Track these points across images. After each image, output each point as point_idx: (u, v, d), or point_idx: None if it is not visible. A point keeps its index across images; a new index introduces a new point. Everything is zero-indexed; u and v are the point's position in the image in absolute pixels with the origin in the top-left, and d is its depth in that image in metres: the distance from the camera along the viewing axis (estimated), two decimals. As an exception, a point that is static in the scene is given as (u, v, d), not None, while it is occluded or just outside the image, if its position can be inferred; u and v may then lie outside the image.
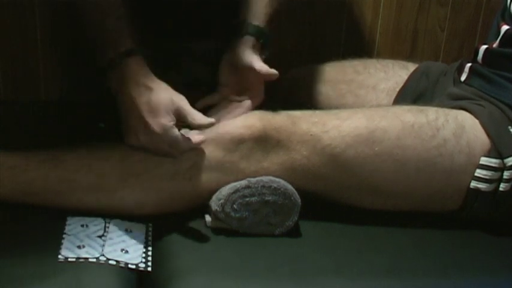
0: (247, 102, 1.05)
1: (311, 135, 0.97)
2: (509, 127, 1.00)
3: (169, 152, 0.95)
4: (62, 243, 0.89)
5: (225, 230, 0.97)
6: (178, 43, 1.08)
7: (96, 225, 0.94)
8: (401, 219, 1.02)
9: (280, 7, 1.09)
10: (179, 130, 0.94)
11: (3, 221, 0.93)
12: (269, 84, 1.05)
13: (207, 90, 1.09)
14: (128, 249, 0.91)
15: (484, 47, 1.09)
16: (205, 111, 1.00)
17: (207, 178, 0.97)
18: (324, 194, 1.00)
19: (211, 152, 0.96)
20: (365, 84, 1.24)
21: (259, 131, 0.97)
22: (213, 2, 1.10)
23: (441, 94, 1.13)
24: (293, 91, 1.26)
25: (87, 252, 0.88)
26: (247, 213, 0.96)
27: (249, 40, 1.05)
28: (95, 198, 0.96)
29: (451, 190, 1.00)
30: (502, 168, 0.98)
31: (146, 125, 0.92)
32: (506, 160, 0.98)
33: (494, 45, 1.08)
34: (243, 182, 0.96)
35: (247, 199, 0.96)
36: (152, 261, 0.90)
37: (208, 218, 0.98)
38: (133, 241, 0.93)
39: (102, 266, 0.87)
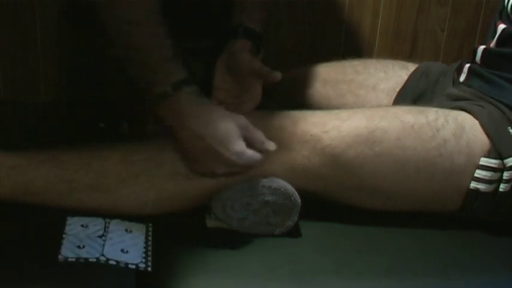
0: (246, 105, 1.05)
1: (311, 135, 0.97)
2: (509, 128, 1.00)
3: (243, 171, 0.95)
4: (62, 243, 0.89)
5: (225, 230, 0.97)
6: (178, 43, 1.08)
7: (96, 225, 0.94)
8: (401, 219, 1.02)
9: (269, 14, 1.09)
10: None
11: (3, 221, 0.93)
12: (269, 84, 1.05)
13: (207, 90, 1.09)
14: (128, 249, 0.91)
15: (482, 47, 1.09)
16: None
17: (207, 178, 0.97)
18: (324, 194, 1.00)
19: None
20: (365, 84, 1.24)
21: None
22: (213, 2, 1.10)
23: (441, 94, 1.13)
24: (293, 91, 1.26)
25: (87, 252, 0.88)
26: (247, 213, 0.96)
27: (246, 43, 1.05)
28: (95, 198, 0.96)
29: (451, 190, 1.00)
30: (502, 168, 0.98)
31: (220, 157, 0.91)
32: (506, 161, 0.98)
33: (492, 45, 1.08)
34: (243, 182, 0.96)
35: (247, 199, 0.96)
36: (152, 261, 0.90)
37: (208, 218, 0.98)
38: (133, 241, 0.93)
39: (102, 266, 0.87)
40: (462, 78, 1.11)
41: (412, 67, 1.24)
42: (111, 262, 0.88)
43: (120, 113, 1.14)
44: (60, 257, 0.87)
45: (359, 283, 0.90)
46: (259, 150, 0.94)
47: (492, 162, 0.98)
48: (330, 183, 0.99)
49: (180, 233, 0.98)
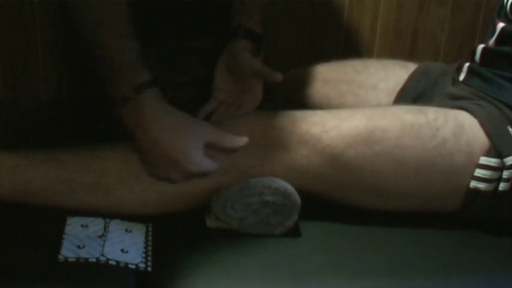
0: (246, 105, 1.05)
1: (311, 135, 0.97)
2: (508, 127, 1.00)
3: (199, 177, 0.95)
4: (62, 243, 0.89)
5: (225, 230, 0.97)
6: (178, 43, 1.08)
7: (96, 225, 0.94)
8: (401, 219, 1.02)
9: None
10: None
11: (3, 221, 0.93)
12: (269, 84, 1.05)
13: (207, 90, 1.09)
14: (128, 249, 0.91)
15: (481, 46, 1.09)
16: (206, 118, 1.00)
17: (206, 178, 0.97)
18: (324, 194, 1.00)
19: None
20: (365, 84, 1.24)
21: (259, 130, 0.97)
22: (213, 2, 1.10)
23: (441, 94, 1.13)
24: (293, 91, 1.26)
25: (87, 252, 0.88)
26: (247, 213, 0.96)
27: (246, 44, 1.05)
28: (95, 198, 0.96)
29: (451, 190, 1.00)
30: (502, 167, 0.98)
31: (177, 164, 0.91)
32: (505, 160, 0.98)
33: (491, 43, 1.08)
34: (243, 182, 0.96)
35: (247, 199, 0.96)
36: (152, 261, 0.90)
37: (208, 218, 0.98)
38: (133, 241, 0.93)
39: (102, 266, 0.87)
40: (462, 77, 1.11)
41: (412, 67, 1.24)
42: (111, 262, 0.88)
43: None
44: (60, 257, 0.87)
45: (359, 283, 0.90)
46: (228, 151, 0.94)
47: (492, 161, 0.98)
48: (330, 182, 0.99)
49: (180, 233, 0.98)
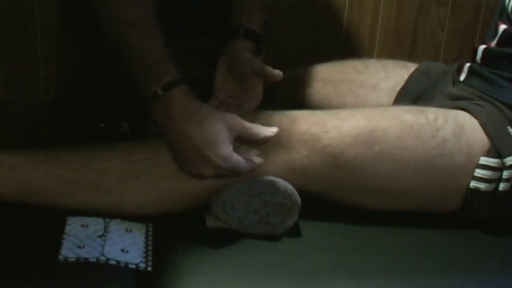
0: (247, 105, 1.05)
1: (311, 134, 0.97)
2: (508, 127, 1.00)
3: (230, 175, 0.94)
4: (62, 243, 0.89)
5: (225, 230, 0.97)
6: (178, 43, 1.08)
7: (96, 225, 0.94)
8: (401, 219, 1.02)
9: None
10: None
11: (3, 221, 0.93)
12: (270, 83, 1.05)
13: (207, 90, 1.09)
14: (128, 249, 0.91)
15: (483, 46, 1.09)
16: None
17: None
18: (324, 194, 1.00)
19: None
20: (365, 84, 1.24)
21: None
22: (213, 2, 1.10)
23: (441, 94, 1.13)
24: (293, 91, 1.26)
25: (87, 252, 0.88)
26: (247, 213, 0.96)
27: (246, 43, 1.05)
28: (95, 198, 0.96)
29: (451, 190, 1.00)
30: (502, 168, 0.98)
31: (207, 159, 0.91)
32: (505, 160, 0.98)
33: (493, 45, 1.08)
34: (243, 182, 0.96)
35: (247, 199, 0.96)
36: (152, 261, 0.90)
37: (208, 218, 0.98)
38: (133, 241, 0.93)
39: (102, 266, 0.87)
40: (462, 77, 1.11)
41: (412, 67, 1.24)
42: (111, 262, 0.88)
43: (120, 113, 1.14)
44: (60, 257, 0.87)
45: (359, 283, 0.90)
46: (259, 142, 0.94)
47: (492, 162, 0.98)
48: (330, 182, 0.99)
49: (180, 233, 0.98)
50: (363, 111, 1.03)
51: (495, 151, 0.98)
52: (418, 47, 1.47)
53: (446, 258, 0.97)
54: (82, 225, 0.94)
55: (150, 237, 0.95)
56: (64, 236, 0.91)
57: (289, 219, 0.98)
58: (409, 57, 1.44)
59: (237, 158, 0.92)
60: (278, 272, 0.91)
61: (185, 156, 0.93)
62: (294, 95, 1.26)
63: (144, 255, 0.91)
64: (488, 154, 0.98)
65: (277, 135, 0.97)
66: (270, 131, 0.94)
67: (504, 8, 1.08)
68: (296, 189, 0.97)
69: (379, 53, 1.45)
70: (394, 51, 1.45)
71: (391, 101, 1.20)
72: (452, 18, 1.45)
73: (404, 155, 0.98)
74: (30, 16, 1.22)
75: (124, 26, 0.93)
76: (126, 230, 0.95)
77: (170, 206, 0.98)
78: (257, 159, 0.94)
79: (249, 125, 0.94)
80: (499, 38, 1.06)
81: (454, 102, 1.06)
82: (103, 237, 0.92)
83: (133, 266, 0.88)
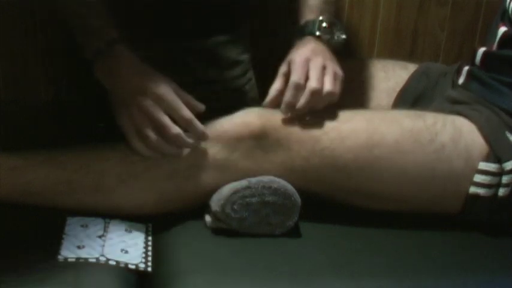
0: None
1: (310, 136, 0.97)
2: (507, 132, 1.00)
3: (170, 150, 0.94)
4: (61, 243, 0.89)
5: (225, 230, 0.97)
6: (178, 43, 1.08)
7: (96, 225, 0.94)
8: (401, 220, 1.02)
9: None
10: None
11: (3, 221, 0.93)
12: (269, 83, 1.05)
13: (207, 91, 1.09)
14: (127, 249, 0.91)
15: (483, 49, 1.09)
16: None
17: (206, 178, 0.97)
18: (324, 195, 1.00)
19: (210, 151, 0.96)
20: (365, 84, 1.24)
21: (258, 129, 0.97)
22: (213, 2, 1.10)
23: (440, 95, 1.13)
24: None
25: (87, 253, 0.88)
26: (247, 214, 0.96)
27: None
28: (95, 198, 0.96)
29: (450, 194, 1.00)
30: (501, 173, 0.98)
31: (144, 90, 0.92)
32: (504, 165, 0.97)
33: (493, 47, 1.08)
34: (243, 182, 0.96)
35: (247, 199, 0.96)
36: (152, 261, 0.90)
37: (208, 218, 0.98)
38: (133, 241, 0.93)
39: (102, 266, 0.87)
40: (461, 80, 1.11)
41: (412, 67, 1.24)
42: (111, 262, 0.88)
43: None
44: (60, 257, 0.87)
45: (359, 283, 0.90)
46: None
47: (491, 167, 0.98)
48: (329, 184, 0.99)
49: (180, 233, 0.98)
50: (363, 114, 1.03)
51: (494, 156, 0.98)
52: (418, 47, 1.47)
53: (446, 259, 0.97)
54: (82, 225, 0.94)
55: (150, 237, 0.95)
56: (64, 236, 0.91)
57: (289, 219, 0.98)
58: (409, 57, 1.43)
59: (178, 99, 0.93)
60: (278, 272, 0.91)
61: (121, 97, 0.94)
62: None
63: (144, 255, 0.91)
64: (487, 159, 0.98)
65: (276, 134, 0.96)
66: (199, 106, 0.96)
67: (505, 10, 1.07)
68: (296, 190, 0.97)
69: (379, 53, 1.45)
70: (394, 51, 1.45)
71: (391, 102, 1.20)
72: (452, 18, 1.44)
73: (404, 159, 0.98)
74: (30, 16, 1.22)
75: None
76: (126, 230, 0.95)
77: (170, 206, 0.98)
78: (199, 107, 0.96)
79: (186, 95, 0.95)
80: (499, 40, 1.06)
81: (453, 106, 1.06)
82: (103, 238, 0.92)
83: (133, 266, 0.89)
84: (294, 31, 1.10)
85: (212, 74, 1.09)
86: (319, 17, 1.07)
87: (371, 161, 0.97)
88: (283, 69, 1.02)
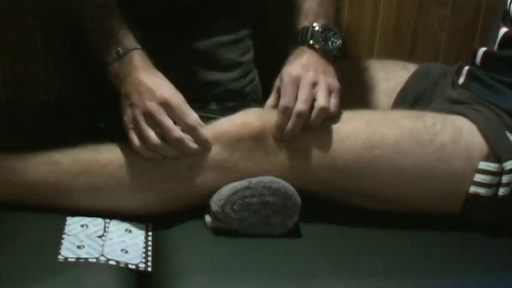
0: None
1: (310, 136, 0.97)
2: (507, 132, 1.00)
3: (170, 153, 0.94)
4: (61, 244, 0.90)
5: (225, 230, 0.97)
6: (179, 43, 1.08)
7: (96, 225, 0.94)
8: (401, 220, 1.02)
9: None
10: None
11: (3, 221, 0.93)
12: (269, 83, 1.05)
13: (206, 91, 1.09)
14: (127, 249, 0.91)
15: (483, 49, 1.09)
16: None
17: (206, 178, 0.97)
18: (324, 195, 1.00)
19: (210, 152, 0.96)
20: (365, 84, 1.24)
21: (258, 130, 0.97)
22: (213, 2, 1.10)
23: (440, 95, 1.13)
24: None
25: (87, 253, 0.88)
26: (247, 214, 0.96)
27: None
28: (95, 198, 0.96)
29: (450, 195, 1.00)
30: (501, 172, 0.98)
31: (153, 93, 0.93)
32: (504, 164, 0.97)
33: (493, 48, 1.07)
34: (243, 183, 0.96)
35: (247, 200, 0.96)
36: (152, 261, 0.90)
37: (208, 218, 0.98)
38: (133, 241, 0.93)
39: (102, 266, 0.87)
40: (461, 80, 1.11)
41: (412, 67, 1.24)
42: (111, 262, 0.88)
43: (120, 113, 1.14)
44: (60, 257, 0.87)
45: (359, 283, 0.90)
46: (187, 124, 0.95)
47: (491, 166, 0.98)
48: (329, 185, 0.99)
49: (180, 233, 0.98)
50: (363, 114, 1.03)
51: (494, 156, 0.98)
52: (418, 47, 1.47)
53: (446, 259, 0.97)
54: (82, 226, 0.94)
55: (149, 237, 0.95)
56: (64, 236, 0.91)
57: (289, 219, 0.98)
58: (409, 57, 1.43)
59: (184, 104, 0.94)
60: (278, 272, 0.91)
61: (132, 102, 0.94)
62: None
63: (143, 255, 0.91)
64: (487, 159, 0.98)
65: (277, 135, 0.97)
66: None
67: (506, 11, 1.07)
68: (296, 190, 0.97)
69: (379, 53, 1.45)
70: (394, 51, 1.45)
71: (391, 102, 1.20)
72: (452, 18, 1.45)
73: (403, 160, 0.98)
74: (30, 16, 1.22)
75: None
76: (126, 230, 0.95)
77: (170, 206, 0.98)
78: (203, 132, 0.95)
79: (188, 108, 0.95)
80: (500, 40, 1.06)
81: (453, 106, 1.06)
82: (103, 238, 0.92)
83: (133, 266, 0.89)
84: (290, 39, 1.08)
85: (212, 75, 1.09)
86: (312, 23, 1.04)
87: (371, 161, 0.98)
88: (276, 83, 1.02)
